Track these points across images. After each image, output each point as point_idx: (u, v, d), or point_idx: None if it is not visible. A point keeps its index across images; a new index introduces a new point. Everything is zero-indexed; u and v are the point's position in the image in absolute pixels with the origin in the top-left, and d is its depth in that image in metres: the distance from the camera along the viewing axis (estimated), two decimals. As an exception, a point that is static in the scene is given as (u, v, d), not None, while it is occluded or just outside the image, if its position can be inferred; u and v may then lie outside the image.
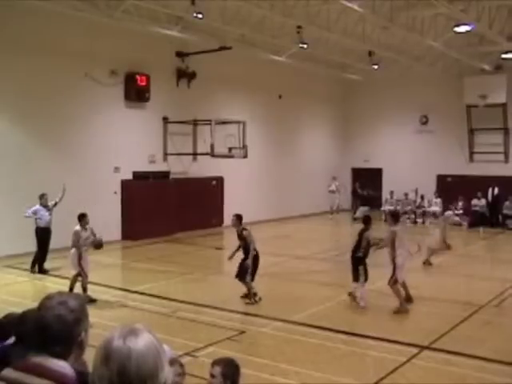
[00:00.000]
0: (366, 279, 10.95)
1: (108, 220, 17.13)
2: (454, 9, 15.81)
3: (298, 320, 10.16)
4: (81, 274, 11.32)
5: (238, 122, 19.87)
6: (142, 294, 11.96)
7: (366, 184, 27.96)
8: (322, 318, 10.24)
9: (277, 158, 25.35)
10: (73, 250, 11.43)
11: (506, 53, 21.54)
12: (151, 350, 1.82)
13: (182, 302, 11.28)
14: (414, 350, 8.64)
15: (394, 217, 11.35)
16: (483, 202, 24.68)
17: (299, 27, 18.29)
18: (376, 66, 23.18)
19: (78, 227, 11.51)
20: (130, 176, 19.28)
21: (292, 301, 11.62)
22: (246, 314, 10.65)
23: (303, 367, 7.90)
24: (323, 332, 9.55)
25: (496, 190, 24.61)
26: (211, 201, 21.76)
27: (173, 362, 3.58)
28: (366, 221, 11.33)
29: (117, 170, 18.75)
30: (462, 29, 17.28)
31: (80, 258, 11.31)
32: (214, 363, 4.48)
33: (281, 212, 24.76)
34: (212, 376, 4.38)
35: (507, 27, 19.08)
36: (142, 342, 1.82)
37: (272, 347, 8.88)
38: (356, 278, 10.94)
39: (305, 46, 19.28)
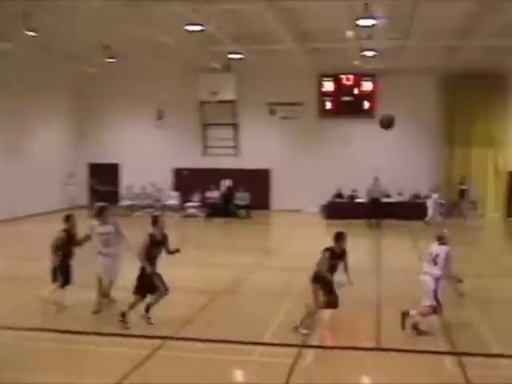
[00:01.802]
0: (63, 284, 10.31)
1: None
2: (187, 8, 16.32)
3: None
4: None
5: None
6: None
7: (104, 179, 27.62)
8: (52, 321, 9.86)
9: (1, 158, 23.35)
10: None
11: (233, 53, 23.04)
12: None
13: None
14: (158, 342, 8.77)
15: (101, 211, 10.72)
16: (217, 193, 26.14)
17: (26, 12, 17.00)
18: (113, 60, 22.85)
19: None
20: None
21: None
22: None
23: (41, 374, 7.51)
24: (54, 335, 9.17)
25: (228, 182, 26.30)
26: None
27: None
28: (66, 220, 10.57)
29: None
30: (194, 28, 17.95)
31: None
32: None
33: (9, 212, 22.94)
34: None
35: (233, 29, 20.32)
36: None
37: None
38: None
39: (33, 33, 17.88)
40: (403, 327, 9.27)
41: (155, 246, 9.58)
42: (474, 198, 24.57)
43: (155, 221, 9.79)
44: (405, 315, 9.31)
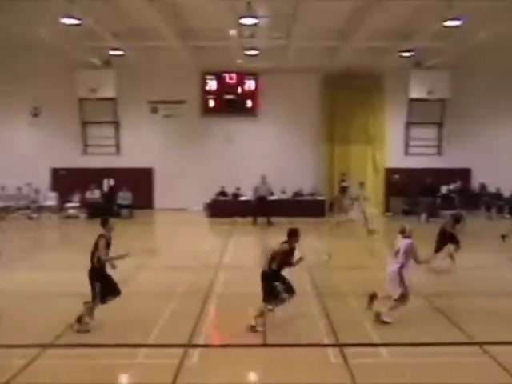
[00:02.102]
0: None
1: None
2: (62, 0, 15.68)
3: None
4: None
5: None
6: None
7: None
8: None
9: None
10: None
11: (113, 49, 22.45)
12: None
13: None
14: (36, 350, 8.27)
15: None
16: (97, 193, 25.36)
17: None
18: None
19: None
20: None
21: None
22: None
23: None
24: None
25: (111, 182, 25.65)
26: None
27: None
28: None
29: None
30: (70, 21, 17.22)
31: None
32: None
33: None
34: None
35: (113, 24, 19.77)
36: None
37: None
38: None
39: None
40: (370, 308, 9.73)
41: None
42: (354, 194, 25.46)
43: (105, 222, 9.63)
44: (373, 297, 9.74)
